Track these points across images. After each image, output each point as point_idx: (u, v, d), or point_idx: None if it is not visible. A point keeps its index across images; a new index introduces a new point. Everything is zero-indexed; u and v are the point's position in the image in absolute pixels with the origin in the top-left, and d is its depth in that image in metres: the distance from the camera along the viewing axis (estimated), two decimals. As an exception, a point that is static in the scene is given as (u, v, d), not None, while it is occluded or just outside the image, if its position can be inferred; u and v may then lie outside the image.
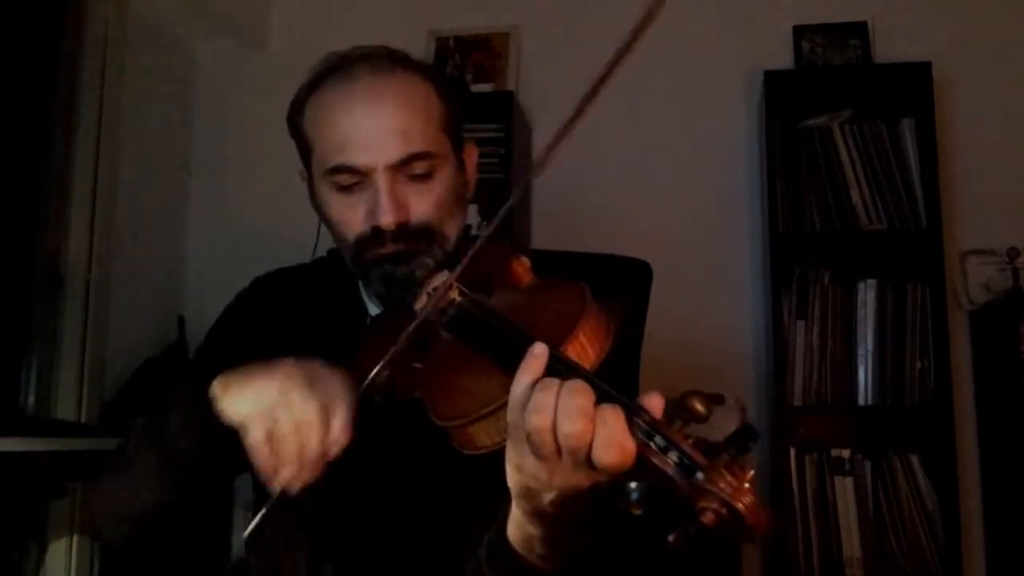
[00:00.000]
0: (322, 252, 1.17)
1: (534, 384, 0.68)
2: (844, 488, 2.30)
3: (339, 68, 1.00)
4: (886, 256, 2.41)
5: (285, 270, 1.18)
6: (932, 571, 2.22)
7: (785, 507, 2.29)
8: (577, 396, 0.65)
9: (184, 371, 1.18)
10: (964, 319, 2.48)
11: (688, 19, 2.75)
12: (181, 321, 2.78)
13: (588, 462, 0.64)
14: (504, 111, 2.54)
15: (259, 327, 1.09)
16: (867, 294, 2.37)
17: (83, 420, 2.39)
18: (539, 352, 0.69)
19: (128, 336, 2.60)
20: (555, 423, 0.65)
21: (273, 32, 2.99)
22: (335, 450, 0.74)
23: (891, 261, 2.40)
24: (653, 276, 1.07)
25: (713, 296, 2.62)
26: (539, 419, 0.65)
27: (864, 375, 2.32)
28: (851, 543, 2.26)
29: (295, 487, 0.74)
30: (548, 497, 0.68)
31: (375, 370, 0.78)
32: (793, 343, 2.36)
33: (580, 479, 0.66)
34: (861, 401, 2.32)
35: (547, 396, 0.66)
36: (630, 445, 0.63)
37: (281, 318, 1.09)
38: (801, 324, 2.37)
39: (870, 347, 2.33)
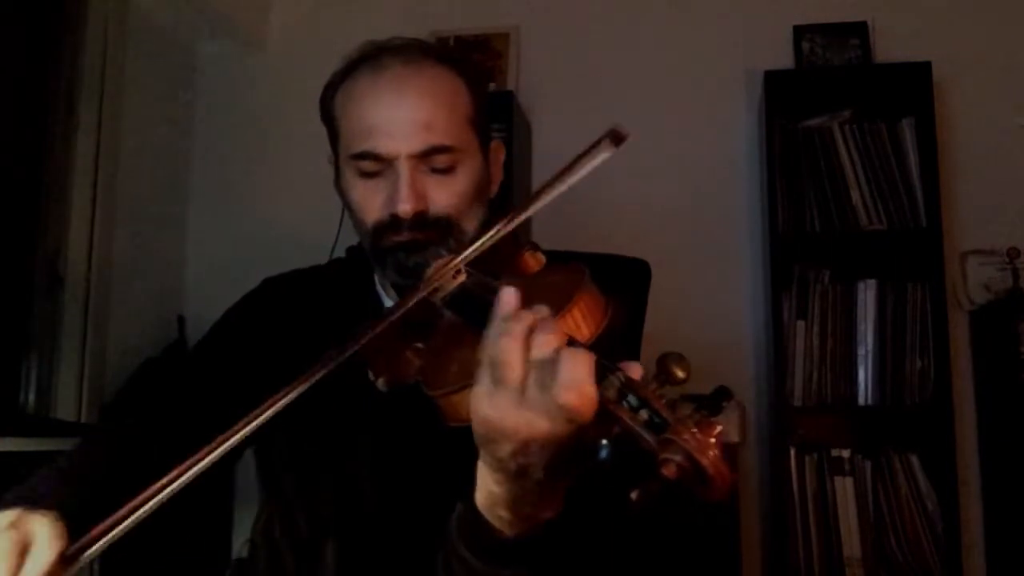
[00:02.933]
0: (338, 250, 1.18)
1: None
2: (844, 488, 2.30)
3: (372, 57, 1.02)
4: (886, 256, 2.41)
5: (299, 271, 1.19)
6: (932, 571, 2.22)
7: (785, 507, 2.29)
8: (548, 321, 0.66)
9: (181, 370, 1.18)
10: (964, 319, 2.48)
11: (688, 19, 2.76)
12: (181, 321, 2.78)
13: (549, 400, 0.63)
14: (504, 111, 2.54)
15: (266, 327, 1.10)
16: (867, 294, 2.37)
17: (83, 420, 2.39)
18: (507, 297, 0.70)
19: (128, 336, 2.60)
20: (526, 342, 0.65)
21: (273, 32, 2.99)
22: None
23: (891, 261, 2.40)
24: (652, 276, 1.08)
25: (713, 296, 2.62)
26: (507, 341, 0.66)
27: (864, 375, 2.32)
28: (851, 543, 2.26)
29: None
30: (507, 447, 0.67)
31: (372, 334, 0.77)
32: (793, 343, 2.36)
33: (540, 426, 0.65)
34: (861, 401, 2.32)
35: (518, 323, 0.67)
36: (591, 390, 0.62)
37: (293, 317, 1.09)
38: (801, 324, 2.37)
39: (870, 347, 2.33)
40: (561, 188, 0.81)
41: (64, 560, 0.67)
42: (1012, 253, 2.37)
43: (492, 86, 2.71)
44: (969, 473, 2.39)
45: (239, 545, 2.31)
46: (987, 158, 2.54)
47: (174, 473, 0.68)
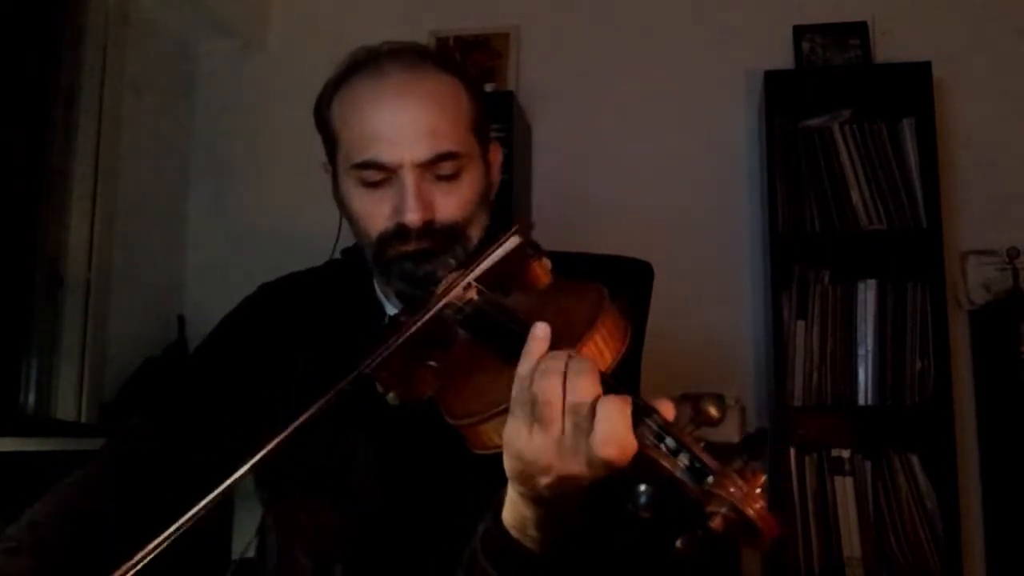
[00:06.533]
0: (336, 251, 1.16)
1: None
2: (844, 488, 2.30)
3: (368, 63, 0.99)
4: (886, 256, 2.41)
5: (295, 275, 1.17)
6: (932, 571, 2.22)
7: (785, 507, 2.29)
8: (585, 362, 0.67)
9: (180, 381, 1.16)
10: (964, 319, 2.48)
11: (688, 19, 2.76)
12: (181, 321, 2.78)
13: (588, 447, 0.65)
14: (504, 111, 2.54)
15: (266, 333, 1.08)
16: (867, 294, 2.36)
17: (83, 420, 2.39)
18: (541, 333, 0.71)
19: (128, 336, 2.60)
20: (565, 384, 0.66)
21: (273, 32, 2.99)
22: None
23: (891, 261, 2.40)
24: (654, 276, 1.07)
25: (713, 296, 2.62)
26: (547, 382, 0.67)
27: (864, 375, 2.32)
28: (851, 543, 2.26)
29: None
30: (545, 481, 0.68)
31: (384, 353, 0.77)
32: (793, 343, 2.36)
33: (580, 469, 0.66)
34: (861, 401, 2.31)
35: (556, 363, 0.68)
36: (630, 441, 0.64)
37: (294, 322, 1.08)
38: (801, 324, 2.37)
39: (870, 347, 2.33)
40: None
41: None
42: (1012, 253, 2.37)
43: (492, 86, 2.71)
44: (969, 473, 2.39)
45: (239, 545, 2.31)
46: (987, 158, 2.54)
47: (189, 514, 0.71)
